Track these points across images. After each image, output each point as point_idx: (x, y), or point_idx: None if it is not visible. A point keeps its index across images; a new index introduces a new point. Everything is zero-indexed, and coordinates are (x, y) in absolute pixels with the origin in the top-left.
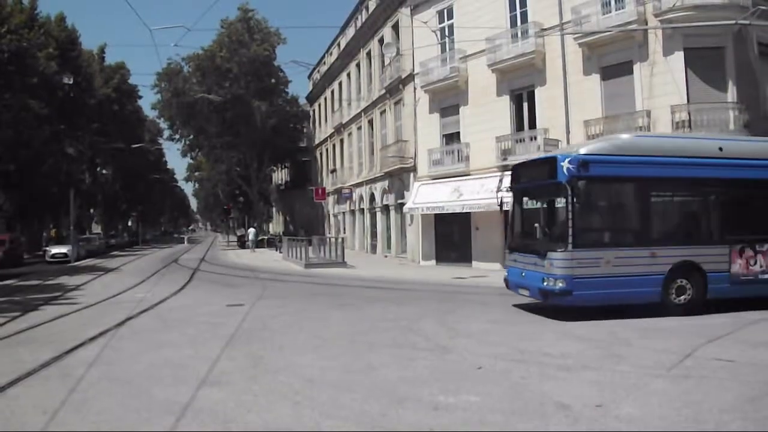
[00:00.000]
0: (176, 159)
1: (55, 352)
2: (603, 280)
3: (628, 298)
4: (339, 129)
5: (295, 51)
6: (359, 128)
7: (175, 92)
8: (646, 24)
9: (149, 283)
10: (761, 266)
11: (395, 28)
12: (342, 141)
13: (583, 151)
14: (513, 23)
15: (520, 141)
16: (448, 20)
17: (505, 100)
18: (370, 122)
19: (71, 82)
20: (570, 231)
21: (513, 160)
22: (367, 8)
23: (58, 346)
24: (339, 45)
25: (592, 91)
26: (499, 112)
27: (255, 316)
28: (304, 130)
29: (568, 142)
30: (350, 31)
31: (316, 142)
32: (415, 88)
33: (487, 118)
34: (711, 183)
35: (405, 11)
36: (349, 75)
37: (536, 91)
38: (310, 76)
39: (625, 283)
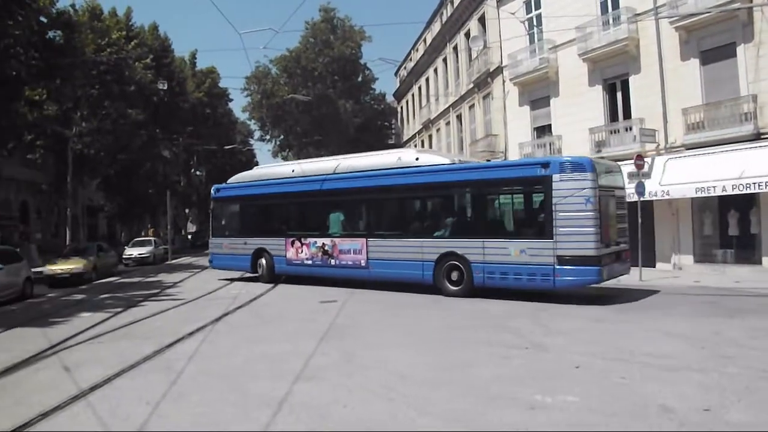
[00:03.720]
0: (267, 159)
1: (156, 347)
2: None
3: None
4: (427, 125)
5: (381, 48)
6: (448, 124)
7: (264, 94)
8: (751, 1)
9: (244, 279)
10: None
11: (481, 20)
12: (430, 137)
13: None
14: (604, 10)
15: (615, 132)
16: (535, 10)
17: (598, 90)
18: (459, 117)
19: (165, 88)
20: None
21: (608, 152)
22: (452, 2)
23: (159, 341)
24: (425, 40)
25: (690, 77)
26: (592, 102)
27: (348, 313)
28: (392, 128)
29: (665, 131)
30: (436, 26)
31: (405, 138)
32: (503, 81)
33: (579, 110)
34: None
35: (491, 3)
36: (436, 70)
37: (630, 80)
38: (396, 73)
39: None
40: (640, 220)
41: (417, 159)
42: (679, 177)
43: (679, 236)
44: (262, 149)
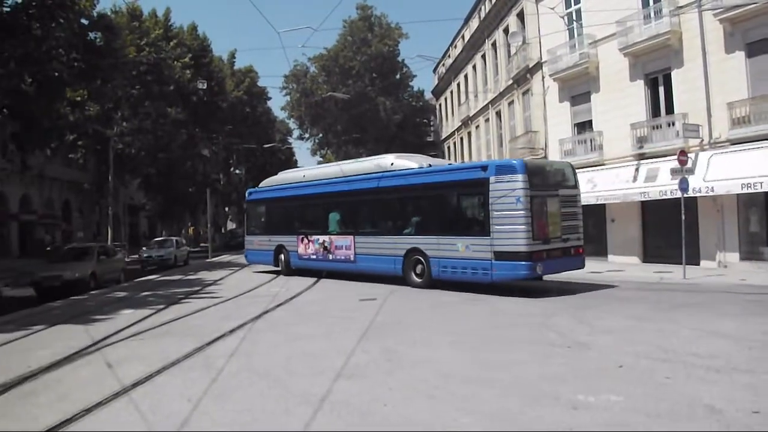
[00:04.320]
0: (306, 157)
1: (197, 344)
2: None
3: None
4: (466, 122)
5: (419, 45)
6: (487, 120)
7: (303, 92)
8: None
9: (283, 277)
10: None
11: (520, 16)
12: (470, 134)
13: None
14: (645, 3)
15: (657, 127)
16: (575, 5)
17: (639, 84)
18: (498, 114)
19: (204, 87)
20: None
21: (650, 148)
22: None
23: (200, 338)
24: (463, 37)
25: (735, 70)
26: (633, 97)
27: (387, 311)
28: (431, 125)
29: (709, 126)
30: (474, 23)
31: (444, 136)
32: (543, 77)
33: (620, 105)
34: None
35: None
36: (474, 67)
37: (673, 74)
38: (435, 70)
39: None
40: (683, 217)
41: (392, 164)
42: (723, 173)
43: (724, 233)
44: (301, 147)
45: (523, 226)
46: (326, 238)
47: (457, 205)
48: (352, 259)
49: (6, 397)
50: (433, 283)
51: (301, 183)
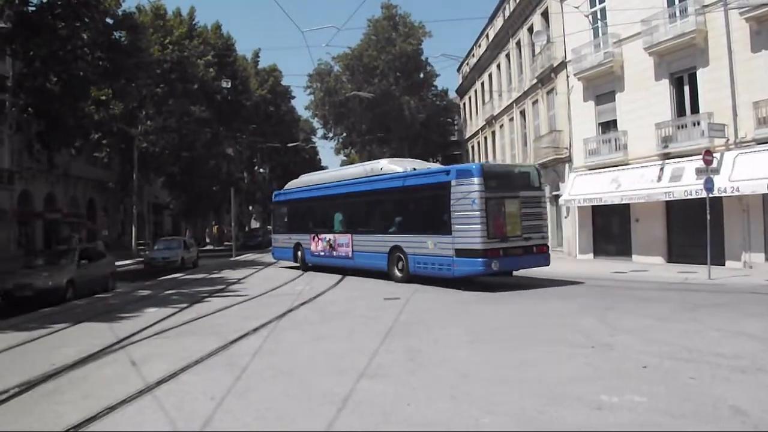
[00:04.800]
0: (330, 156)
1: (221, 342)
2: None
3: None
4: (490, 121)
5: (443, 44)
6: (511, 119)
7: (327, 92)
8: None
9: (307, 276)
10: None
11: (545, 15)
12: (494, 133)
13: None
14: (670, 2)
15: (682, 127)
16: (599, 4)
17: (664, 84)
18: (522, 113)
19: (229, 86)
20: None
21: (675, 148)
22: None
23: (223, 337)
24: (488, 36)
25: (762, 69)
26: (658, 97)
27: (410, 310)
28: (455, 124)
29: (735, 126)
30: (498, 22)
31: (468, 135)
32: (567, 76)
33: (644, 104)
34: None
35: None
36: (498, 66)
37: (698, 73)
38: (459, 69)
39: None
40: (708, 217)
41: (381, 168)
42: (749, 172)
43: (750, 234)
44: (324, 147)
45: (479, 226)
46: (331, 236)
47: (428, 206)
48: (350, 256)
49: (30, 395)
50: (411, 278)
51: (314, 185)
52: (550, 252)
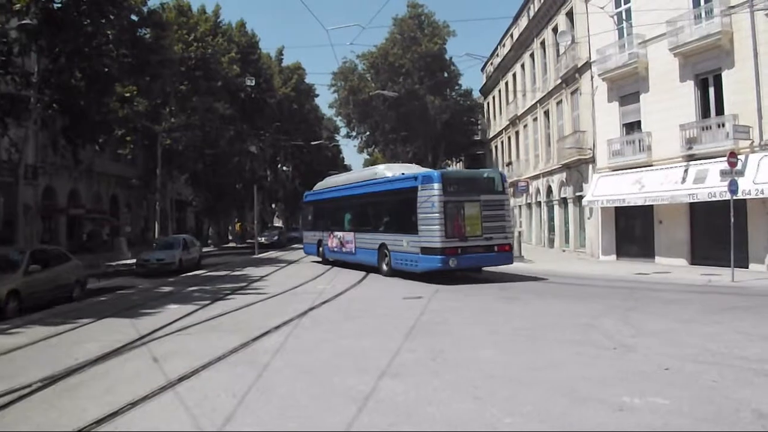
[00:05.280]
0: (353, 155)
1: (243, 339)
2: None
3: None
4: (514, 121)
5: (467, 43)
6: (534, 120)
7: (351, 90)
8: None
9: (329, 275)
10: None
11: (569, 15)
12: (517, 133)
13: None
14: (696, 3)
15: (707, 128)
16: (624, 4)
17: (689, 85)
18: (546, 113)
19: (252, 84)
20: None
21: (699, 149)
22: None
23: (245, 334)
24: (512, 36)
25: None
26: (683, 98)
27: (433, 310)
28: (478, 124)
29: (760, 128)
30: (523, 21)
31: (491, 134)
32: (592, 77)
33: (669, 105)
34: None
35: None
36: (523, 66)
37: (723, 75)
38: (483, 69)
39: None
40: (732, 220)
41: (375, 173)
42: None
43: None
44: (348, 145)
45: (437, 226)
46: (341, 234)
47: (403, 209)
48: (353, 251)
49: (53, 389)
50: (393, 273)
51: (331, 188)
52: (513, 250)
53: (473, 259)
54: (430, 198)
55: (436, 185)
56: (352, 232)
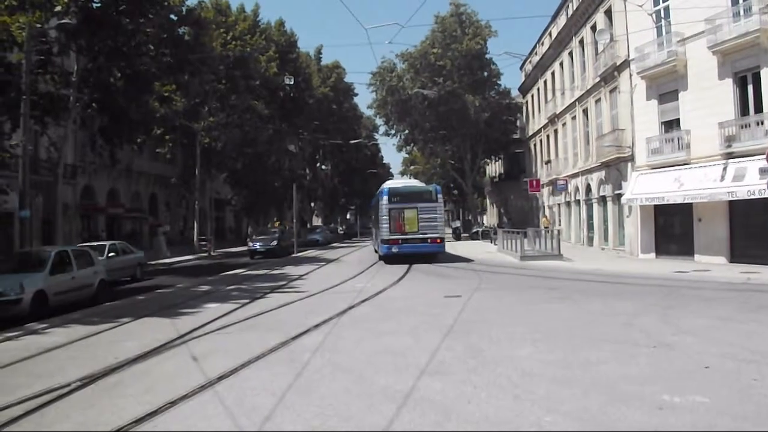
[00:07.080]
0: (392, 154)
1: (282, 338)
2: None
3: None
4: (553, 119)
5: (506, 42)
6: (573, 118)
7: (390, 90)
8: None
9: (368, 273)
10: None
11: (608, 13)
12: (556, 131)
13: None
14: (734, 1)
15: (745, 126)
16: (663, 2)
17: (728, 83)
18: (585, 111)
19: (291, 82)
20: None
21: (738, 147)
22: None
23: (285, 333)
24: (551, 34)
25: None
26: (722, 96)
27: (472, 308)
28: (517, 122)
29: None
30: (561, 20)
31: (530, 133)
32: (630, 75)
33: (708, 103)
34: None
35: None
36: (561, 64)
37: (762, 73)
38: (521, 68)
39: None
40: None
41: (385, 185)
42: None
43: None
44: (386, 144)
45: (386, 225)
46: (375, 230)
47: (377, 213)
48: (375, 243)
49: (92, 388)
50: (381, 257)
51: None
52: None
53: (411, 247)
54: (383, 206)
55: (385, 197)
56: (373, 230)
